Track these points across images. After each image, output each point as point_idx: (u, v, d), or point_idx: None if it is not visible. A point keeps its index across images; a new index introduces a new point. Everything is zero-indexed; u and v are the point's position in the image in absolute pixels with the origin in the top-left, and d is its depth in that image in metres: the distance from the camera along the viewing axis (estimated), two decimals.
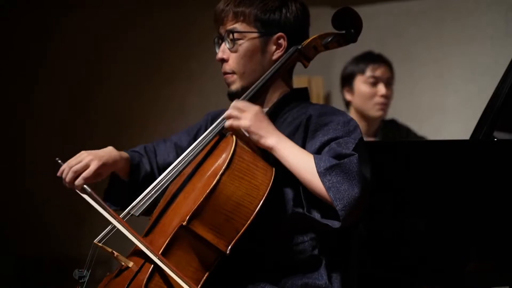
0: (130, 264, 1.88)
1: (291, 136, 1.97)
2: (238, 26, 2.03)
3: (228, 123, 1.95)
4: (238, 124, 1.93)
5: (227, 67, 2.06)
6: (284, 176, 1.93)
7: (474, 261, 2.15)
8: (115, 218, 1.91)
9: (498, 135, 2.22)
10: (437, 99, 4.45)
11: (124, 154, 2.12)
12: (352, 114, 3.57)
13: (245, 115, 1.93)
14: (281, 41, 2.05)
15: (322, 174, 1.84)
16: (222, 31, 2.06)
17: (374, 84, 3.53)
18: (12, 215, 4.57)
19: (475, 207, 2.12)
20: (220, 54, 2.06)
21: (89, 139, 4.53)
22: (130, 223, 1.94)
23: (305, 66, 2.09)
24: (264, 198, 1.85)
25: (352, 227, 2.06)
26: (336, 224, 1.83)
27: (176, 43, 4.73)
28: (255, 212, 1.84)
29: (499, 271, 2.18)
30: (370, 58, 3.58)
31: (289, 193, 1.94)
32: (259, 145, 1.93)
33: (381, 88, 3.52)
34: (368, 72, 3.53)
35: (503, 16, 4.26)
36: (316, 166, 1.85)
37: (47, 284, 4.54)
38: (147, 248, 1.82)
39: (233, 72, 2.05)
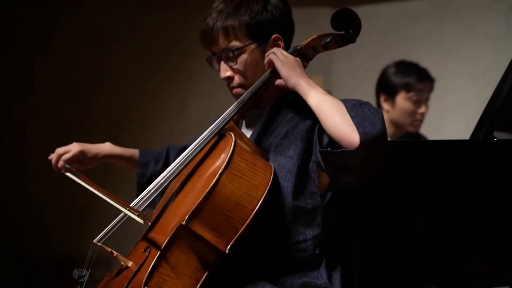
0: (130, 263, 1.88)
1: (290, 131, 1.98)
2: (234, 43, 2.00)
3: (268, 58, 1.99)
4: (274, 59, 1.97)
5: (234, 82, 2.05)
6: (282, 170, 1.93)
7: (474, 261, 2.14)
8: (100, 191, 1.96)
9: (498, 135, 2.22)
10: (437, 99, 4.44)
11: (128, 151, 2.40)
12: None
13: (284, 56, 1.98)
14: (278, 42, 2.05)
15: (349, 107, 1.86)
16: (215, 49, 2.03)
17: (417, 101, 3.54)
18: (12, 215, 4.58)
19: (475, 207, 2.11)
20: (224, 73, 2.04)
21: (89, 139, 4.52)
22: (130, 223, 1.95)
23: (304, 67, 2.09)
24: (263, 197, 1.84)
25: (351, 227, 2.07)
26: (354, 145, 1.80)
27: (176, 43, 4.73)
28: (255, 211, 1.83)
29: (499, 271, 2.18)
30: (418, 75, 3.57)
31: (288, 186, 1.93)
32: (289, 83, 1.95)
33: (423, 107, 3.55)
34: (414, 91, 3.53)
35: (503, 16, 4.27)
36: (343, 102, 1.88)
37: (47, 284, 4.55)
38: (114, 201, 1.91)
39: (240, 85, 2.04)
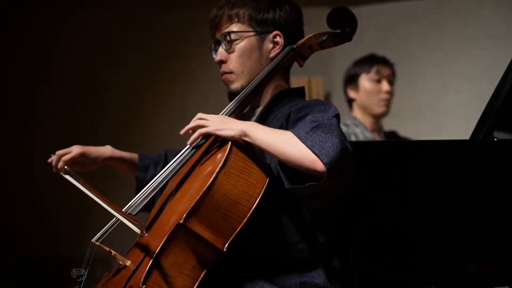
0: (128, 262, 1.88)
1: None
2: (234, 27, 2.05)
3: (196, 133, 1.93)
4: (206, 130, 1.91)
5: (226, 67, 2.07)
6: (275, 170, 1.92)
7: (474, 261, 2.14)
8: (97, 196, 1.94)
9: (498, 135, 2.21)
10: (437, 99, 4.45)
11: (128, 154, 2.34)
12: (356, 111, 3.69)
13: (211, 119, 1.92)
14: (278, 39, 2.06)
15: (303, 137, 1.80)
16: (218, 36, 2.08)
17: (378, 81, 3.65)
18: (12, 215, 4.58)
19: (475, 207, 2.11)
20: (218, 57, 2.08)
21: (93, 140, 4.51)
22: None
23: (301, 66, 2.10)
24: (260, 195, 1.84)
25: (351, 226, 2.07)
26: (321, 179, 1.77)
27: (178, 44, 4.74)
28: (252, 209, 1.83)
29: (499, 271, 2.18)
30: (375, 59, 3.71)
31: (282, 187, 1.92)
32: (234, 139, 1.89)
33: (385, 85, 3.65)
34: (373, 71, 3.65)
35: (503, 16, 4.27)
36: (295, 134, 1.82)
37: (47, 284, 4.55)
38: (109, 206, 1.90)
39: (232, 72, 2.06)
